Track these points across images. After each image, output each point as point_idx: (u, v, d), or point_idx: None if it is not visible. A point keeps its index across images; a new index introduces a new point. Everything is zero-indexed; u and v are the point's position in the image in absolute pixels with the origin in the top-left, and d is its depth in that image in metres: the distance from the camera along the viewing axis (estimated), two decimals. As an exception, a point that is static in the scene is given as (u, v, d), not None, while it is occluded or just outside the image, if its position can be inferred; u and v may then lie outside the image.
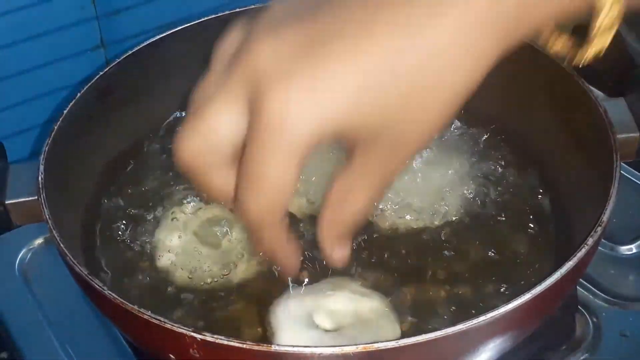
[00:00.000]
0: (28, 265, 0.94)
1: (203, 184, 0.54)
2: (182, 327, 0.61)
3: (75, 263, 0.67)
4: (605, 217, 0.68)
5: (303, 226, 0.82)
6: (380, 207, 0.84)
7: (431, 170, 0.88)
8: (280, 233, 0.54)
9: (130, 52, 0.89)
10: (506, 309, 0.62)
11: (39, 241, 0.95)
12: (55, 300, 0.89)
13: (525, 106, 0.90)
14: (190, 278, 0.79)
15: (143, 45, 0.90)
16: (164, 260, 0.81)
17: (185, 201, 0.86)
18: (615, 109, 0.79)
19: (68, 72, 1.02)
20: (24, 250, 0.95)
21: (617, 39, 1.10)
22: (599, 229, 0.67)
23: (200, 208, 0.85)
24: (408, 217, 0.84)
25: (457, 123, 0.95)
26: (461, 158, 0.90)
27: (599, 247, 0.89)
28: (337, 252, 0.56)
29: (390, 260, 0.80)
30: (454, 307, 0.76)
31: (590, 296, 0.87)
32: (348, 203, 0.53)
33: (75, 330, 0.86)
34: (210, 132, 0.51)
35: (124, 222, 0.85)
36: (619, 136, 0.75)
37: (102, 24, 1.03)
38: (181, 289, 0.78)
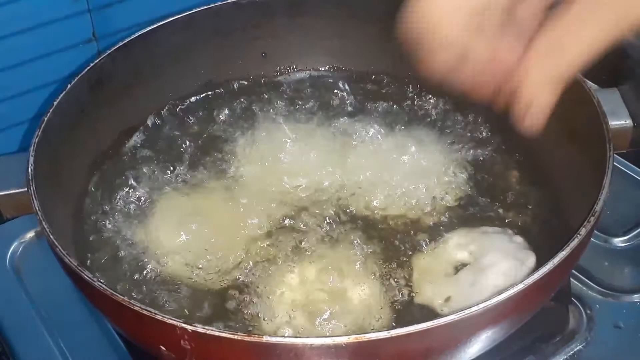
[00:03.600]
0: (19, 259, 0.93)
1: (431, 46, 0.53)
2: (173, 318, 0.60)
3: (65, 254, 0.66)
4: (598, 207, 0.68)
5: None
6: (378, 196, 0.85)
7: (423, 158, 0.88)
8: None
9: (121, 44, 0.89)
10: (499, 299, 0.61)
11: (30, 234, 0.95)
12: (48, 294, 0.88)
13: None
14: (183, 269, 0.79)
15: (134, 36, 0.90)
16: (157, 252, 0.80)
17: (176, 192, 0.86)
18: (609, 99, 0.79)
19: (60, 65, 1.02)
20: (15, 244, 0.94)
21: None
22: (592, 219, 0.67)
23: (189, 198, 0.85)
24: (402, 203, 0.84)
25: (450, 112, 0.95)
26: (454, 146, 0.90)
27: (593, 239, 0.90)
28: (541, 99, 0.54)
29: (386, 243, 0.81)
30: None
31: (584, 288, 0.87)
32: (564, 47, 0.51)
33: (67, 323, 0.85)
34: None
35: (115, 213, 0.84)
36: (612, 126, 0.75)
37: (94, 17, 1.02)
38: (175, 281, 0.78)
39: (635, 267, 0.90)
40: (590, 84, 0.80)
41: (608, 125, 0.75)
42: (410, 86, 0.98)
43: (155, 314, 0.61)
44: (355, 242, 0.80)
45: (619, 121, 0.78)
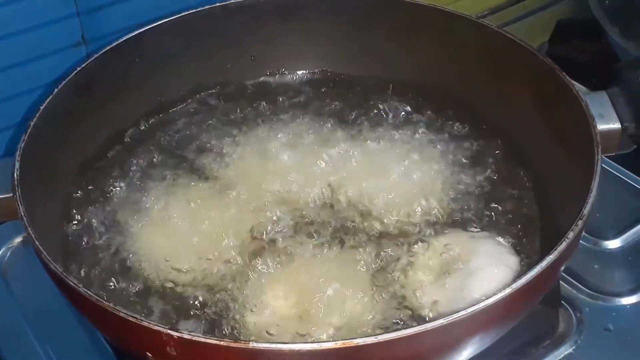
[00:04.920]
0: (7, 264, 0.92)
1: None
2: (158, 324, 0.60)
3: (50, 260, 0.66)
4: (586, 211, 0.68)
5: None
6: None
7: (414, 163, 0.88)
8: None
9: (109, 47, 0.88)
10: (487, 303, 0.61)
11: (17, 239, 0.94)
12: (35, 299, 0.88)
13: (507, 100, 0.90)
14: (171, 273, 0.78)
15: (122, 40, 0.89)
16: (145, 257, 0.80)
17: (165, 196, 0.85)
18: (597, 102, 0.78)
19: (48, 69, 1.01)
20: (2, 250, 0.94)
21: (600, 33, 1.10)
22: (580, 222, 0.67)
23: (178, 202, 0.84)
24: (391, 208, 0.83)
25: (442, 116, 0.94)
26: (445, 152, 0.90)
27: (583, 242, 0.90)
28: None
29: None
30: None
31: (574, 291, 0.87)
32: None
33: (55, 329, 0.85)
34: None
35: (102, 217, 0.84)
36: (600, 129, 0.75)
37: (83, 20, 1.02)
38: (163, 286, 0.78)
39: (625, 269, 0.90)
40: (578, 86, 0.80)
41: (596, 129, 0.74)
42: (401, 91, 0.98)
43: (141, 320, 0.60)
44: (344, 246, 0.80)
45: (607, 124, 0.77)
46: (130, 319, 0.60)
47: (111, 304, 0.62)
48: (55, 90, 0.82)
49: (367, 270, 0.78)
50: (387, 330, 0.72)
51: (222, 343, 0.58)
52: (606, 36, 1.07)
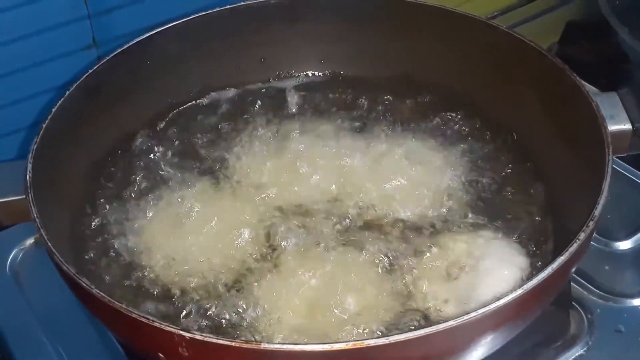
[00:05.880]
0: (19, 265, 0.93)
1: None
2: (170, 325, 0.60)
3: (63, 262, 0.66)
4: (597, 212, 0.68)
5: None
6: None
7: (424, 164, 0.88)
8: None
9: (119, 50, 0.89)
10: (497, 304, 0.61)
11: (30, 241, 0.95)
12: (47, 300, 0.88)
13: (517, 101, 0.90)
14: (182, 275, 0.79)
15: (132, 43, 0.90)
16: (156, 258, 0.80)
17: (174, 197, 0.85)
18: (608, 103, 0.78)
19: (60, 71, 1.01)
20: (15, 251, 0.94)
21: (610, 34, 1.10)
22: (591, 223, 0.67)
23: (187, 203, 0.84)
24: (402, 208, 0.84)
25: (452, 117, 0.95)
26: (454, 152, 0.90)
27: (594, 243, 0.89)
28: None
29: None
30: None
31: (585, 292, 0.87)
32: None
33: (67, 330, 0.85)
34: None
35: (113, 218, 0.84)
36: (611, 130, 0.75)
37: (94, 23, 1.02)
38: (174, 287, 0.78)
39: (636, 271, 0.90)
40: (589, 87, 0.80)
41: (607, 129, 0.74)
42: (410, 91, 0.98)
43: (153, 321, 0.61)
44: (354, 247, 0.80)
45: (618, 125, 0.77)
46: (143, 320, 0.61)
47: (123, 305, 0.62)
48: (67, 92, 0.83)
49: (378, 271, 0.78)
50: (397, 331, 0.72)
51: (233, 344, 0.59)
52: (616, 37, 1.07)
